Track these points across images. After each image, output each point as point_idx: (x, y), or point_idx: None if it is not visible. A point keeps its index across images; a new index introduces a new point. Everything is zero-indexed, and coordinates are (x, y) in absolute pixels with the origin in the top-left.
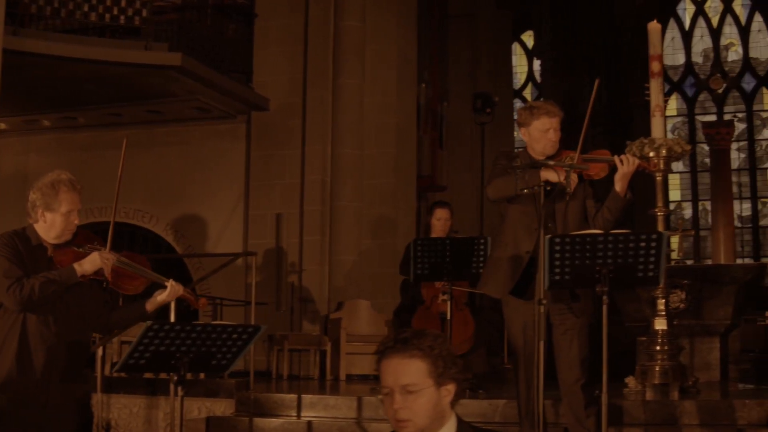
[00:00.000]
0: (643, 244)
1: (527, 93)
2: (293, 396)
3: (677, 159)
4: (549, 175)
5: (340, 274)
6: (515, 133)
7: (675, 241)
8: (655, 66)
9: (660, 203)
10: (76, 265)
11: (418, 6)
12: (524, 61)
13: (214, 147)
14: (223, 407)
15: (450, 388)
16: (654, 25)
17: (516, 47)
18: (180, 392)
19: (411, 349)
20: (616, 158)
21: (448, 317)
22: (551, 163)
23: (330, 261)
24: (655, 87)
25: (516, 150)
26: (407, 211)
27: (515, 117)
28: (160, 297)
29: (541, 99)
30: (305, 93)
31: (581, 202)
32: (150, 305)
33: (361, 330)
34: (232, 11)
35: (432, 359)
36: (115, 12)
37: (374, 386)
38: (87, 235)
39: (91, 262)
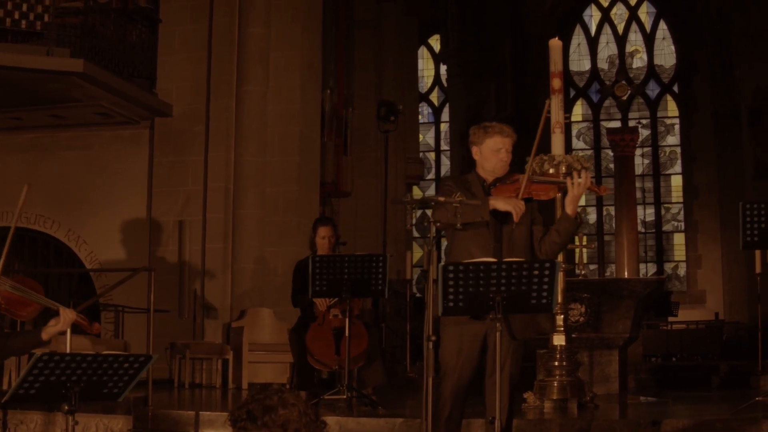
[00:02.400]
0: (536, 272)
1: (434, 96)
2: (191, 413)
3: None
4: (498, 204)
5: (243, 282)
6: (420, 137)
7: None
8: (555, 83)
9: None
10: None
11: (324, 12)
12: (431, 64)
13: (117, 152)
14: (120, 423)
15: None
16: (555, 42)
17: (423, 50)
18: (71, 422)
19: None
20: (567, 180)
21: (346, 333)
22: (441, 199)
23: (232, 269)
24: (556, 104)
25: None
26: (310, 218)
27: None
28: (54, 327)
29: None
30: (209, 99)
31: (528, 226)
32: (45, 334)
33: (264, 338)
34: (136, 16)
35: None
36: (17, 16)
37: None
38: None
39: None
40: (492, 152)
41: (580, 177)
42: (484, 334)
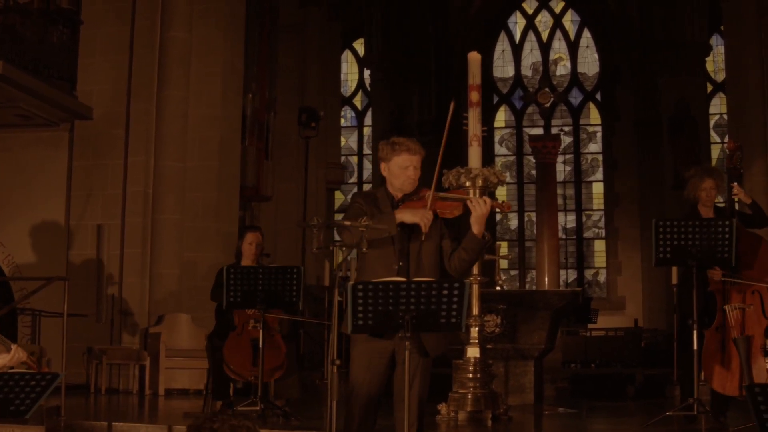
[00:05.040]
0: (445, 291)
1: (357, 101)
2: (104, 424)
3: (493, 188)
4: (405, 217)
5: (161, 287)
6: (343, 141)
7: (504, 264)
8: (473, 96)
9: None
10: None
11: (247, 16)
12: (355, 68)
13: (36, 155)
14: None
15: None
16: (474, 56)
17: (347, 54)
18: None
19: None
20: (468, 201)
21: (261, 345)
22: (347, 223)
23: (151, 274)
24: (473, 116)
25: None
26: (230, 223)
27: (344, 123)
28: (2, 361)
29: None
30: (129, 103)
31: (436, 242)
32: None
33: (181, 344)
34: (58, 17)
35: None
36: None
37: (187, 412)
38: None
39: None
40: (400, 169)
41: (481, 199)
42: (392, 351)
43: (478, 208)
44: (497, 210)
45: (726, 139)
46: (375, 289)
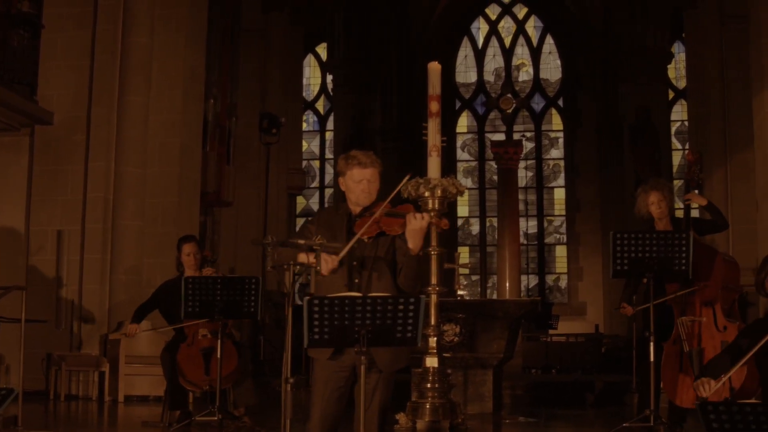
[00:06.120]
0: (401, 307)
1: (320, 105)
2: None
3: (452, 199)
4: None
5: (121, 293)
6: (305, 145)
7: (464, 269)
8: (433, 106)
9: (434, 242)
10: None
11: (210, 21)
12: (318, 73)
13: None
14: None
15: None
16: (434, 66)
17: (310, 58)
18: None
19: None
20: (407, 216)
21: (218, 355)
22: (301, 242)
23: (111, 279)
24: (433, 127)
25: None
26: (191, 229)
27: (306, 127)
28: None
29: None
30: (90, 109)
31: (389, 259)
32: None
33: (141, 351)
34: (18, 21)
35: None
36: None
37: (145, 421)
38: None
39: None
40: (354, 183)
41: (419, 215)
42: (352, 365)
43: (413, 222)
44: (435, 225)
45: (687, 146)
46: (330, 303)
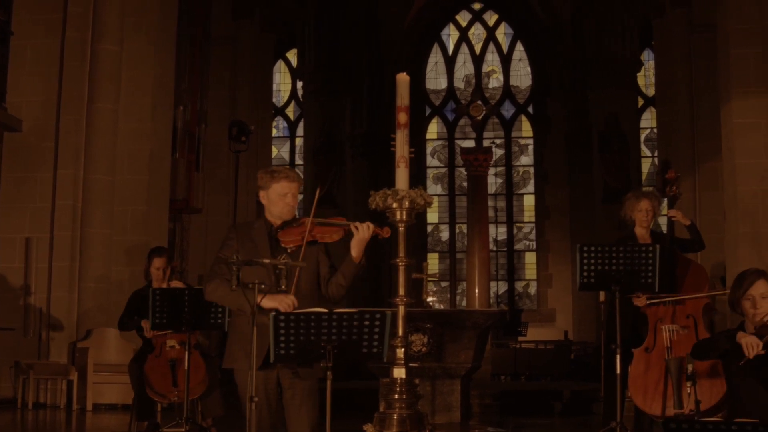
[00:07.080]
0: (367, 322)
1: (290, 111)
2: None
3: (420, 210)
4: (265, 303)
5: (89, 301)
6: (275, 151)
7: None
8: (402, 117)
9: (402, 253)
10: None
11: (179, 28)
12: (288, 79)
13: None
14: None
15: None
16: (402, 77)
17: (281, 64)
18: None
19: None
20: (352, 225)
21: (185, 366)
22: (266, 261)
23: (79, 287)
24: (401, 138)
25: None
26: (159, 237)
27: (276, 133)
28: None
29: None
30: (59, 116)
31: (314, 269)
32: None
33: (110, 359)
34: None
35: None
36: None
37: (114, 430)
38: None
39: None
40: (279, 197)
41: (365, 224)
42: (276, 376)
43: (362, 231)
44: (377, 234)
45: (656, 153)
46: (297, 319)
